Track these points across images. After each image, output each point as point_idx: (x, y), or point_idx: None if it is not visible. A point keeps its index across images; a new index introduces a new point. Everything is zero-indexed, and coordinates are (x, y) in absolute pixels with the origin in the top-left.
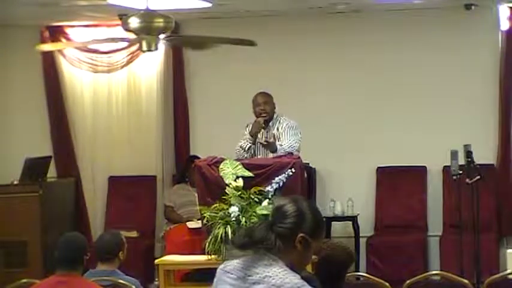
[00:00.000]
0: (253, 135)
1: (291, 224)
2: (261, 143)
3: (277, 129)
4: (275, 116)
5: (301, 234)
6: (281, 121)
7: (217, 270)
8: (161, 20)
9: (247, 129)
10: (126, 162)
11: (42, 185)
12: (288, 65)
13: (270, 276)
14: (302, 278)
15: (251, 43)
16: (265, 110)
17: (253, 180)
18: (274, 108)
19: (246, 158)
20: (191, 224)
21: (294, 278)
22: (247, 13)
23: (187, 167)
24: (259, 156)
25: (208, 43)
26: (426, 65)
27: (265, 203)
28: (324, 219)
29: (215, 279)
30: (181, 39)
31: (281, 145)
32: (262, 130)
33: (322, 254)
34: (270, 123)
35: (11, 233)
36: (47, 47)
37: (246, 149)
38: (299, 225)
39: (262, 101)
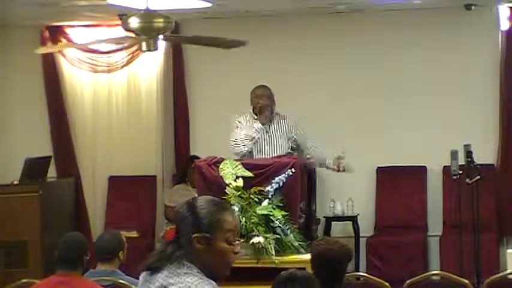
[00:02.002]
0: (265, 123)
1: (187, 226)
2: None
3: (286, 126)
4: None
5: (194, 235)
6: (287, 119)
7: (142, 274)
8: (161, 20)
9: (241, 119)
10: (126, 162)
11: (42, 185)
12: (288, 65)
13: (173, 284)
14: (303, 278)
15: (240, 43)
16: (261, 102)
17: (253, 180)
18: (274, 103)
19: (249, 149)
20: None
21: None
22: (247, 13)
23: (187, 167)
24: (263, 150)
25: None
26: (426, 65)
27: (265, 203)
28: (324, 219)
29: (140, 279)
30: (181, 39)
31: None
32: (268, 123)
33: (319, 249)
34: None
35: (11, 233)
36: (46, 49)
37: (256, 138)
38: (193, 226)
39: (260, 93)
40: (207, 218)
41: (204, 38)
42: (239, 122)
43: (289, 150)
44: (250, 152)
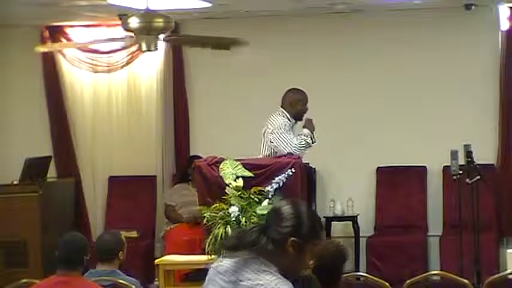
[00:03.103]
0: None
1: (285, 227)
2: None
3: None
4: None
5: (292, 239)
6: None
7: (210, 270)
8: (161, 20)
9: (289, 122)
10: (126, 162)
11: (42, 185)
12: (287, 65)
13: (262, 285)
14: (302, 278)
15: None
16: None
17: (253, 180)
18: None
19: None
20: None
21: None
22: (247, 13)
23: (188, 167)
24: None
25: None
26: (426, 65)
27: (265, 203)
28: (324, 219)
29: (207, 278)
30: (181, 39)
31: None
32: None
33: (319, 257)
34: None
35: (11, 233)
36: (46, 47)
37: (312, 145)
38: (293, 229)
39: (307, 101)
40: (308, 227)
41: (205, 38)
42: (286, 122)
43: None
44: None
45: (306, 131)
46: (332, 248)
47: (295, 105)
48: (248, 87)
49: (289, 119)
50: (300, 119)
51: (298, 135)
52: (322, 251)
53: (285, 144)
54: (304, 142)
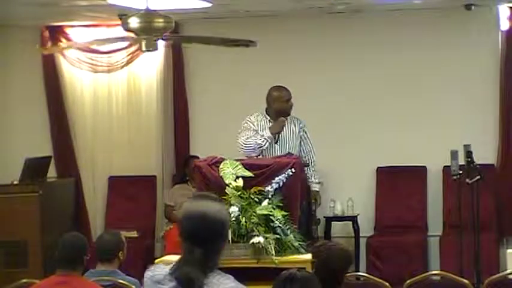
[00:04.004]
0: (275, 134)
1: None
2: None
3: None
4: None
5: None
6: (293, 120)
7: (145, 280)
8: (161, 20)
9: (252, 119)
10: (126, 162)
11: (42, 185)
12: (287, 65)
13: (205, 284)
14: (303, 278)
15: (248, 43)
16: (290, 108)
17: (253, 180)
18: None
19: (258, 153)
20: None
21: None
22: (247, 13)
23: (185, 167)
24: (272, 150)
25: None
26: (426, 65)
27: (265, 203)
28: (323, 219)
29: None
30: (181, 39)
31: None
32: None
33: (321, 258)
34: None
35: (11, 233)
36: (51, 49)
37: (265, 147)
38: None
39: (289, 98)
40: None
41: (206, 38)
42: (251, 122)
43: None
44: (260, 154)
45: (267, 133)
46: (337, 251)
47: (274, 103)
48: (248, 87)
49: (267, 117)
50: (285, 116)
51: (260, 135)
52: (327, 256)
53: (237, 143)
54: (252, 142)
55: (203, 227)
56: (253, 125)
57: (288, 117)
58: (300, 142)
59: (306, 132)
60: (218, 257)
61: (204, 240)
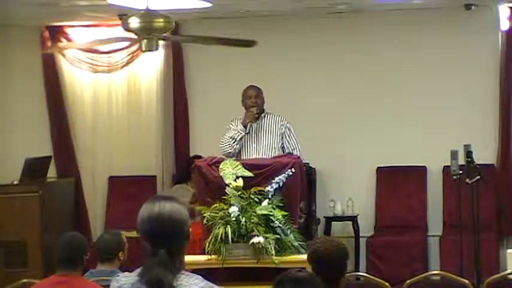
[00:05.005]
0: (246, 125)
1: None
2: None
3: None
4: (264, 111)
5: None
6: (275, 118)
7: None
8: (161, 20)
9: (233, 122)
10: (126, 162)
11: (42, 185)
12: (287, 65)
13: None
14: (304, 278)
15: (249, 44)
16: (256, 103)
17: (253, 180)
18: (264, 102)
19: (235, 150)
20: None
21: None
22: (247, 13)
23: (188, 167)
24: (249, 148)
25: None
26: (426, 65)
27: (265, 203)
28: (324, 219)
29: None
30: (181, 39)
31: (293, 149)
32: (251, 123)
33: (314, 248)
34: (261, 117)
35: (11, 233)
36: (54, 49)
37: (238, 139)
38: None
39: (254, 94)
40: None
41: (206, 38)
42: (231, 124)
43: (280, 149)
44: (239, 152)
45: (239, 126)
46: (331, 247)
47: (242, 100)
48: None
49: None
50: (254, 111)
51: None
52: (322, 250)
53: None
54: (226, 138)
55: (163, 227)
56: (234, 125)
57: (269, 115)
58: (283, 139)
59: (289, 129)
60: (183, 256)
61: (165, 241)
